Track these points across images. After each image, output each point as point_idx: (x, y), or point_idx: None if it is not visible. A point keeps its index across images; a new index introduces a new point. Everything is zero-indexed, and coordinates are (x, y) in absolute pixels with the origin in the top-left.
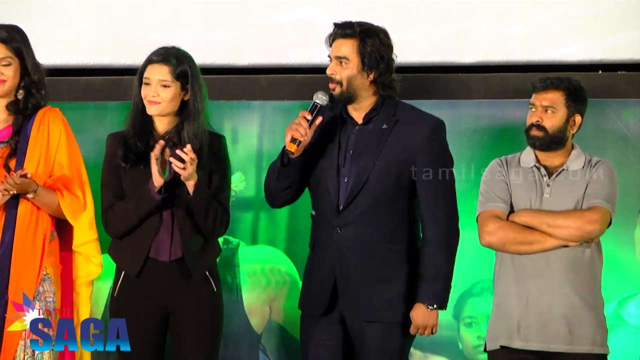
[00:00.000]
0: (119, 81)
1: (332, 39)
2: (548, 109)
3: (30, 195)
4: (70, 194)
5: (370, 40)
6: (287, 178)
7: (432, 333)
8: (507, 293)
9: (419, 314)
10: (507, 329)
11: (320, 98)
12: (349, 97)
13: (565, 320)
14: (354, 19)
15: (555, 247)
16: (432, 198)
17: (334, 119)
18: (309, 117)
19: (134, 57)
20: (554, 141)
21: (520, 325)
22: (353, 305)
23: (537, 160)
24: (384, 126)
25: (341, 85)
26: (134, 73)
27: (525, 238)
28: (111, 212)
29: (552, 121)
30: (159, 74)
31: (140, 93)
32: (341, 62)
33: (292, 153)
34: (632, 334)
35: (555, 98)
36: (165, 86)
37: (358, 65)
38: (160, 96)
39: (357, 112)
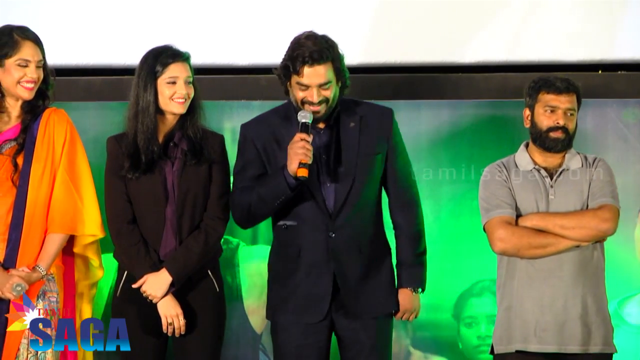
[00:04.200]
0: (119, 81)
1: (305, 65)
2: (569, 112)
3: (44, 274)
4: (62, 219)
5: (335, 55)
6: (286, 202)
7: (415, 317)
8: (519, 296)
9: (407, 298)
10: (522, 332)
11: (306, 116)
12: (331, 111)
13: (581, 321)
14: (354, 19)
15: (568, 248)
16: (404, 185)
17: (288, 130)
18: (309, 139)
19: (134, 57)
20: (570, 144)
21: (537, 327)
22: (354, 306)
23: (535, 162)
24: (352, 124)
25: (327, 104)
26: (134, 73)
27: (539, 242)
28: (127, 227)
29: (572, 124)
30: (184, 71)
31: (156, 94)
32: (324, 87)
33: (305, 177)
34: (632, 334)
35: (573, 101)
36: (189, 83)
37: (335, 81)
38: (189, 94)
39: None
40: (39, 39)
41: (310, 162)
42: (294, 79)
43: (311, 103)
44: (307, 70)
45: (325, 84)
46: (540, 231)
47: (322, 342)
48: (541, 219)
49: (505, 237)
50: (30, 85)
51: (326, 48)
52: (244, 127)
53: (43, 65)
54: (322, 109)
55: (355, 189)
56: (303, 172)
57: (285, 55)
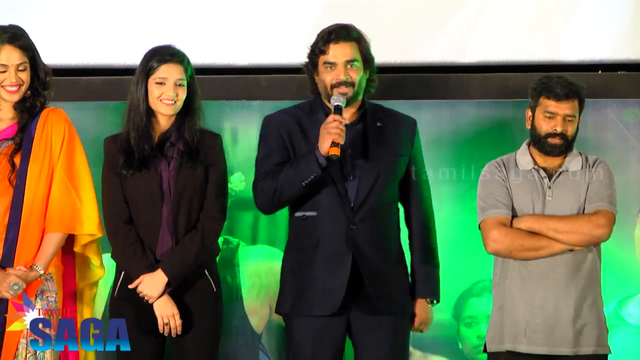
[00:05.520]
0: (119, 81)
1: (330, 42)
2: (568, 118)
3: (41, 273)
4: (60, 218)
5: (363, 41)
6: (313, 184)
7: (427, 329)
8: (511, 296)
9: (424, 309)
10: (512, 332)
11: (340, 100)
12: (355, 99)
13: (572, 323)
14: (355, 20)
15: (561, 251)
16: (423, 195)
17: (315, 121)
18: (342, 120)
19: (134, 57)
20: (569, 147)
21: (527, 328)
22: (372, 300)
23: (535, 162)
24: (378, 124)
25: (353, 87)
26: (133, 73)
27: (532, 244)
28: (124, 227)
29: (572, 129)
30: (176, 73)
31: (146, 93)
32: (351, 65)
33: (337, 156)
34: (632, 334)
35: (574, 107)
36: (181, 85)
37: (362, 66)
38: (178, 96)
39: (344, 113)
40: (24, 40)
41: (342, 142)
42: (321, 60)
43: (339, 84)
44: (332, 46)
45: (352, 61)
46: (534, 233)
47: (338, 340)
48: (535, 221)
49: (498, 238)
50: (13, 89)
51: (352, 28)
52: (268, 117)
53: (33, 66)
54: (348, 91)
55: (379, 185)
56: (335, 151)
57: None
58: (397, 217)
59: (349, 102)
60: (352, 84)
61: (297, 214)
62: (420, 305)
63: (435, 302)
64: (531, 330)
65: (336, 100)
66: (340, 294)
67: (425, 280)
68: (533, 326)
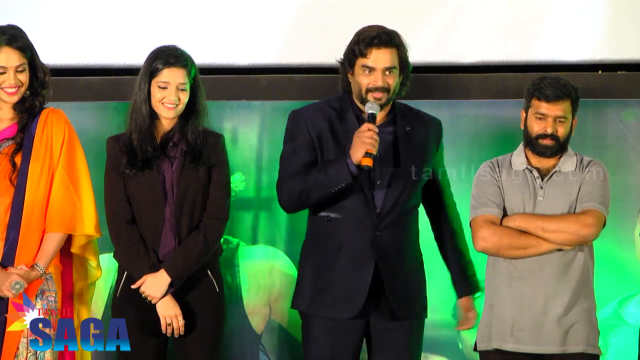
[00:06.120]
0: (119, 81)
1: (373, 47)
2: (559, 119)
3: (42, 272)
4: (60, 218)
5: (402, 47)
6: (341, 191)
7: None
8: (500, 295)
9: (470, 306)
10: (499, 331)
11: (374, 107)
12: (388, 103)
13: (559, 322)
14: (356, 19)
15: (549, 251)
16: (451, 197)
17: (346, 123)
18: (377, 130)
19: (134, 57)
20: (563, 148)
21: (514, 327)
22: (393, 305)
23: (529, 163)
24: (407, 128)
25: (388, 93)
26: (134, 73)
27: (520, 243)
28: (126, 227)
29: (563, 130)
30: (178, 77)
31: (149, 95)
32: (389, 72)
33: (368, 166)
34: (632, 334)
35: (566, 108)
36: (183, 90)
37: (399, 72)
38: (180, 100)
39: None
40: (22, 41)
41: (375, 152)
42: (359, 62)
43: (375, 89)
44: (374, 51)
45: (391, 68)
46: (522, 232)
47: (356, 341)
48: (524, 220)
49: (487, 236)
50: (12, 90)
51: (394, 34)
52: (297, 112)
53: (32, 67)
54: (383, 97)
55: (406, 193)
56: (368, 162)
57: (349, 43)
58: (417, 219)
59: (380, 106)
60: (387, 90)
61: (322, 213)
62: (467, 303)
63: (476, 296)
64: (518, 329)
65: (371, 107)
66: (362, 299)
67: (464, 278)
68: (520, 325)
